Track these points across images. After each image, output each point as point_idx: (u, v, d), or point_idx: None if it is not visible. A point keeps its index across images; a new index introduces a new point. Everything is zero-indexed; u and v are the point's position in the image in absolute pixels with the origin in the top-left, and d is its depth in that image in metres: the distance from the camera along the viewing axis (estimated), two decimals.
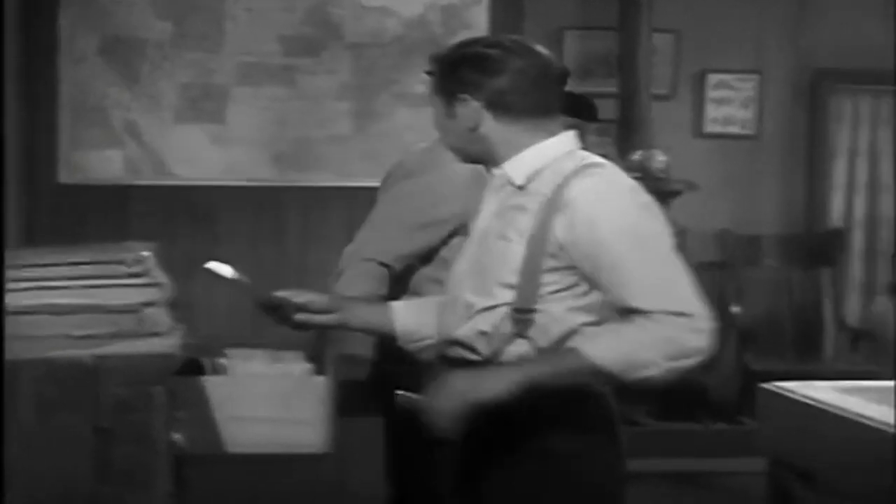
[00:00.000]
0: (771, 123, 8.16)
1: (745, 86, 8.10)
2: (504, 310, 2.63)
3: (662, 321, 2.52)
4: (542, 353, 2.63)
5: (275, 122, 6.75)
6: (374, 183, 3.94)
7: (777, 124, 8.16)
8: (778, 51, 8.09)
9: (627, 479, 2.77)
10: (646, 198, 2.67)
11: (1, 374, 2.77)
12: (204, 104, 6.85)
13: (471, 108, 2.72)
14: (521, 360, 2.63)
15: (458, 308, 2.72)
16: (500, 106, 2.72)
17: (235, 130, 6.83)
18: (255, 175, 6.79)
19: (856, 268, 8.34)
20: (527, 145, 2.73)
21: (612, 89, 7.39)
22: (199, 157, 6.88)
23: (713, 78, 8.09)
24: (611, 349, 2.54)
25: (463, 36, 4.61)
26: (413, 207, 3.69)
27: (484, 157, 2.77)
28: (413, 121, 6.43)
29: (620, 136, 7.33)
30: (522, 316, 2.62)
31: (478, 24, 6.34)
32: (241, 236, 6.77)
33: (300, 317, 2.80)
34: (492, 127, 2.72)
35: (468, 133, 2.73)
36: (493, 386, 2.56)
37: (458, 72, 2.73)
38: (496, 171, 2.78)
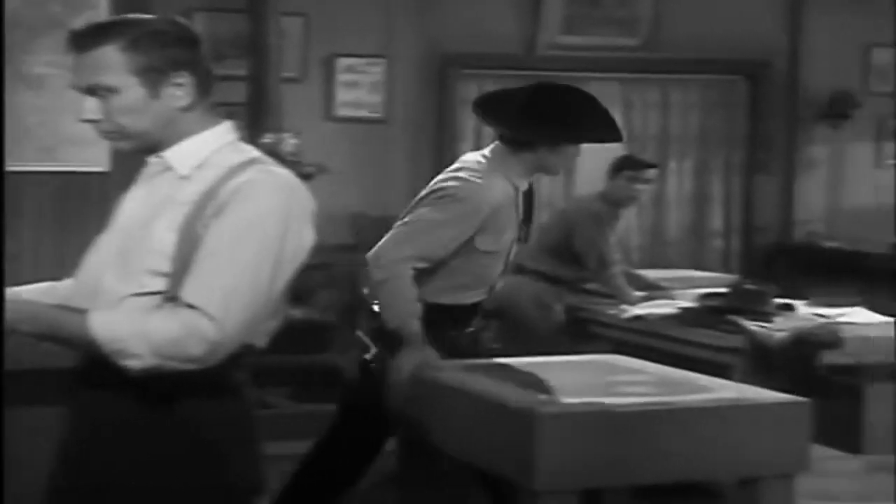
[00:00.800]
0: (400, 107, 8.29)
1: (374, 70, 8.20)
2: (156, 298, 2.56)
3: (186, 319, 2.49)
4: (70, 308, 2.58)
5: None
6: None
7: (406, 108, 8.30)
8: (405, 36, 8.22)
9: (262, 465, 2.76)
10: (296, 205, 2.62)
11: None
12: None
13: (182, 88, 2.62)
14: (30, 306, 2.58)
15: (97, 296, 2.63)
16: (205, 85, 2.65)
17: None
18: None
19: None
20: (196, 131, 2.65)
21: (242, 72, 7.35)
22: None
23: (342, 62, 8.16)
24: (112, 327, 2.50)
25: (86, 17, 4.46)
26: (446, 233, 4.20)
27: (160, 143, 2.66)
28: (35, 102, 6.22)
29: (251, 119, 7.29)
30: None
31: (100, 3, 6.16)
32: None
33: None
34: (191, 108, 2.64)
35: (171, 114, 2.63)
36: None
37: (167, 48, 2.61)
38: (153, 159, 2.68)
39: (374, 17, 8.14)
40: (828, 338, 5.11)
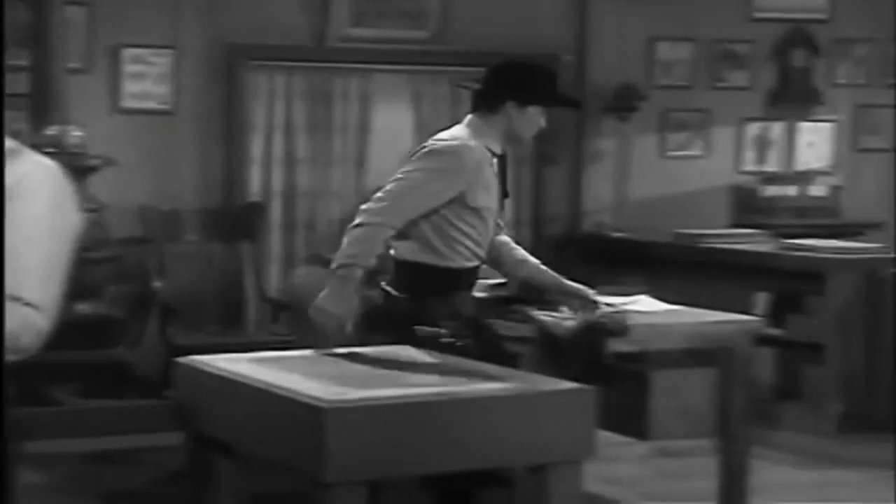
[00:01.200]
0: (188, 99, 8.19)
1: (161, 61, 8.09)
2: None
3: (18, 312, 2.52)
4: None
5: None
6: None
7: (194, 100, 8.21)
8: (193, 26, 8.13)
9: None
10: (69, 192, 2.67)
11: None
12: None
13: None
14: None
15: None
16: None
17: None
18: None
19: (275, 240, 8.52)
20: None
21: (24, 62, 7.18)
22: None
23: (128, 52, 8.02)
24: None
25: None
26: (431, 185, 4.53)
27: None
28: None
29: (33, 111, 7.13)
30: None
31: None
32: None
33: None
34: None
35: None
36: None
37: None
38: None
39: (160, 7, 8.03)
40: (614, 326, 5.18)
